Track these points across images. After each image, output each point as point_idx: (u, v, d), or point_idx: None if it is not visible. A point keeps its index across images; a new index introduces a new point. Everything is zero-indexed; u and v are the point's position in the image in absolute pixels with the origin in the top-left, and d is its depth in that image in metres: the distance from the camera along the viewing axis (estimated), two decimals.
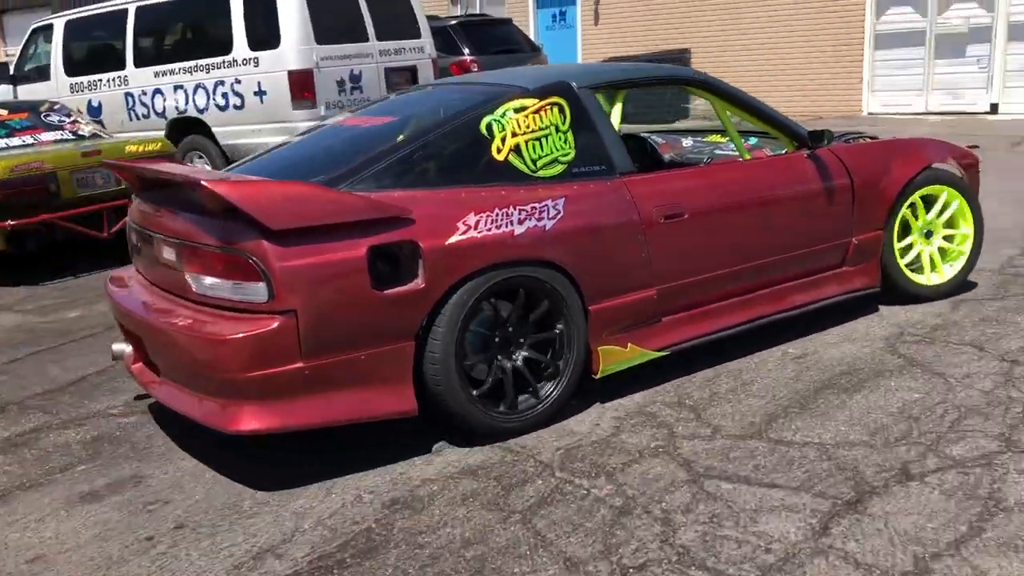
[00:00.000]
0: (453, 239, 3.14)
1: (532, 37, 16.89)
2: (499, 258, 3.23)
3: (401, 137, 3.48)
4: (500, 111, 3.50)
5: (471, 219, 3.20)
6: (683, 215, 3.68)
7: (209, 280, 3.07)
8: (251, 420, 2.95)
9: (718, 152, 4.91)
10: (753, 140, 4.77)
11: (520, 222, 3.29)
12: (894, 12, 13.57)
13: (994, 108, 12.91)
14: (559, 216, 3.38)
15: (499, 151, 3.43)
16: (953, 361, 3.80)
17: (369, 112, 4.19)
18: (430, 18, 11.87)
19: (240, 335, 2.88)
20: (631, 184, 3.63)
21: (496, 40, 11.47)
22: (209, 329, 2.97)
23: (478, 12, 16.87)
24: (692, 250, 3.74)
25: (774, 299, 4.05)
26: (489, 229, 3.22)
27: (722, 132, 4.89)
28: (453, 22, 11.22)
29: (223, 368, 2.93)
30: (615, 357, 3.59)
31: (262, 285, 2.90)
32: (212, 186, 2.89)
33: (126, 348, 3.59)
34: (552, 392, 3.42)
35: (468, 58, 10.88)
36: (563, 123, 3.58)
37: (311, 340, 2.94)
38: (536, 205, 3.35)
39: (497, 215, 3.25)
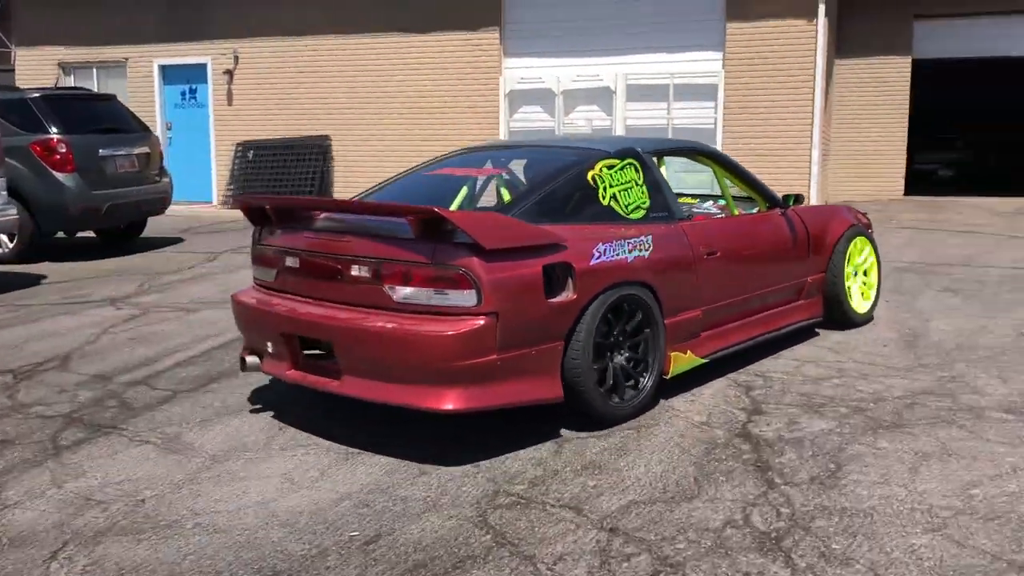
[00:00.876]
0: (593, 262, 4.03)
1: (158, 114, 15.40)
2: (619, 278, 4.14)
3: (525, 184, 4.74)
4: (597, 167, 4.46)
5: (600, 248, 4.10)
6: (716, 253, 4.75)
7: (408, 290, 3.72)
8: (454, 400, 3.65)
9: (694, 210, 5.75)
10: (722, 201, 5.81)
11: (630, 251, 4.24)
12: (526, 111, 13.94)
13: None
14: (651, 249, 4.36)
15: (603, 197, 4.41)
16: (548, 534, 3.16)
17: (457, 164, 5.21)
18: (4, 89, 10.10)
19: (455, 332, 3.58)
20: (684, 228, 4.68)
21: (94, 117, 9.90)
22: (426, 328, 3.62)
23: (89, 87, 15.05)
24: (721, 281, 4.79)
25: (763, 323, 5.20)
26: (612, 256, 4.13)
27: (692, 195, 6.34)
28: (35, 95, 9.50)
29: (440, 358, 3.59)
30: (680, 361, 4.53)
31: (472, 292, 3.61)
32: (445, 214, 3.60)
33: (258, 359, 4.27)
34: (647, 384, 4.33)
35: (54, 137, 9.24)
36: (639, 179, 4.61)
37: (505, 336, 3.68)
38: (637, 239, 4.30)
39: (615, 246, 4.18)
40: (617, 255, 4.14)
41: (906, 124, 15.41)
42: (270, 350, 4.19)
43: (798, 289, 5.49)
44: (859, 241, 5.99)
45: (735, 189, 5.56)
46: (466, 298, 3.61)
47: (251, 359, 4.30)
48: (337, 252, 3.95)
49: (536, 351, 3.81)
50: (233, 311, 4.53)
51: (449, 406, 3.63)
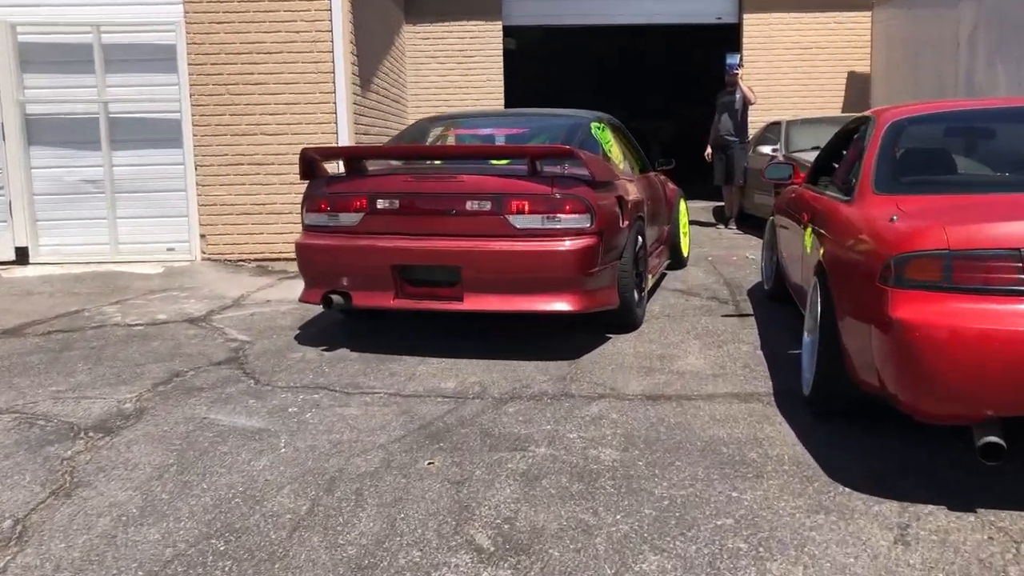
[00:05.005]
0: (629, 197, 5.08)
1: None
2: (637, 212, 5.30)
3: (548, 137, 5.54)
4: (594, 125, 5.64)
5: (627, 187, 5.21)
6: (648, 202, 5.84)
7: (529, 217, 4.43)
8: (577, 303, 4.48)
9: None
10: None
11: (637, 192, 5.52)
12: None
13: (22, 256, 8.01)
14: (639, 192, 5.62)
15: (609, 150, 5.61)
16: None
17: (483, 126, 6.23)
18: None
19: (576, 247, 4.41)
20: (646, 178, 6.32)
21: None
22: (554, 246, 4.41)
23: None
24: (651, 223, 6.00)
25: (655, 266, 6.30)
26: (634, 196, 5.29)
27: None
28: None
29: (566, 270, 4.40)
30: (647, 281, 5.66)
31: (587, 216, 4.45)
32: (580, 154, 4.53)
33: (341, 298, 4.70)
34: (644, 295, 5.50)
35: None
36: (614, 139, 5.96)
37: (603, 252, 4.57)
38: (635, 184, 5.66)
39: (631, 187, 5.35)
40: (635, 194, 5.30)
41: (503, 99, 11.84)
42: (362, 286, 4.63)
43: (659, 238, 6.52)
44: (683, 202, 7.57)
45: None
46: (581, 221, 4.42)
47: (336, 298, 4.67)
48: (455, 191, 4.52)
49: (611, 266, 4.72)
50: (304, 257, 4.81)
51: (575, 308, 4.46)
